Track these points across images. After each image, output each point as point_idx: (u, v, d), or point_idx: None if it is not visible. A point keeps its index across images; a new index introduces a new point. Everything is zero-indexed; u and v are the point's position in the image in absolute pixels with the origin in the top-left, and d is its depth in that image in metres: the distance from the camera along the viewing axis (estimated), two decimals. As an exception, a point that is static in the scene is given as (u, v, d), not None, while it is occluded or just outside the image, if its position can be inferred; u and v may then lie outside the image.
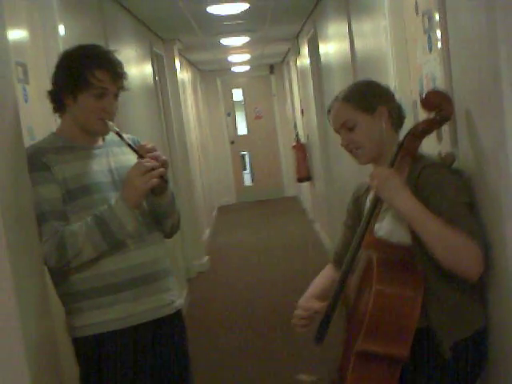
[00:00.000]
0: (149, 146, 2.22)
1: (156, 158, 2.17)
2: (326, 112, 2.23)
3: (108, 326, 2.18)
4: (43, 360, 1.99)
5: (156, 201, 2.27)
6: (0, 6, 1.97)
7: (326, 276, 2.33)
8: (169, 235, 2.42)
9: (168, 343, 2.32)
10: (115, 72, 2.20)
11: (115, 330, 2.18)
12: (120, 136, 2.24)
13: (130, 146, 2.22)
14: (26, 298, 1.88)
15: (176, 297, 2.37)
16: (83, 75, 2.14)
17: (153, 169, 2.13)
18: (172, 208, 2.36)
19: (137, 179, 2.12)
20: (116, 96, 2.23)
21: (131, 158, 2.26)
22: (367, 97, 2.06)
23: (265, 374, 4.34)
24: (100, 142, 2.30)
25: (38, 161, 2.13)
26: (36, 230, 2.07)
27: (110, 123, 2.21)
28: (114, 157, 2.29)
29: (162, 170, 2.15)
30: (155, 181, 2.14)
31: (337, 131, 2.12)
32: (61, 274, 2.17)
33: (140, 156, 2.18)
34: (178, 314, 2.36)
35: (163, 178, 2.16)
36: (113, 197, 2.17)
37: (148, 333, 2.24)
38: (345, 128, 2.07)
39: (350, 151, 2.09)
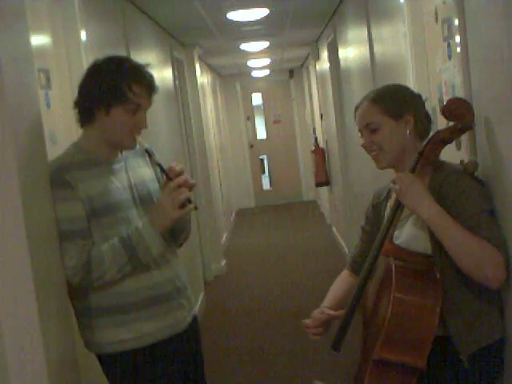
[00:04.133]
0: (177, 168, 2.20)
1: (185, 182, 2.17)
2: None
3: (128, 344, 2.18)
4: (64, 376, 2.01)
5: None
6: (23, 13, 2.00)
7: (342, 283, 2.33)
8: (179, 246, 2.42)
9: (185, 354, 2.33)
10: (151, 87, 2.20)
11: (135, 349, 2.18)
12: (150, 155, 2.26)
13: (159, 166, 2.24)
14: (49, 315, 1.91)
15: (190, 311, 2.37)
16: (120, 89, 2.10)
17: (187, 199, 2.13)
18: (189, 222, 2.39)
19: (168, 206, 2.13)
20: (146, 110, 2.21)
21: (148, 172, 2.30)
22: (396, 102, 2.04)
23: (279, 378, 4.34)
24: (119, 155, 2.26)
25: (60, 178, 2.09)
26: (58, 245, 2.07)
27: (141, 140, 2.20)
28: (132, 171, 2.27)
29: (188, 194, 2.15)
30: (188, 209, 2.15)
31: (360, 130, 2.11)
32: (81, 289, 2.16)
33: (170, 179, 2.17)
34: (192, 326, 2.37)
35: (193, 204, 2.16)
36: (134, 215, 2.19)
37: (165, 348, 2.24)
38: (368, 129, 2.06)
39: (370, 153, 2.09)
